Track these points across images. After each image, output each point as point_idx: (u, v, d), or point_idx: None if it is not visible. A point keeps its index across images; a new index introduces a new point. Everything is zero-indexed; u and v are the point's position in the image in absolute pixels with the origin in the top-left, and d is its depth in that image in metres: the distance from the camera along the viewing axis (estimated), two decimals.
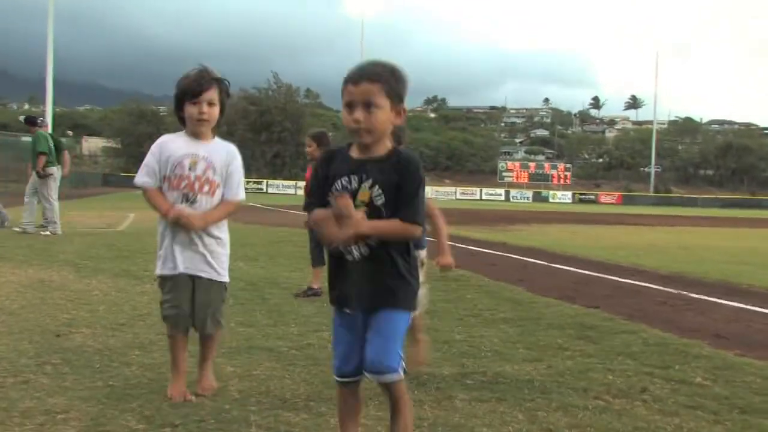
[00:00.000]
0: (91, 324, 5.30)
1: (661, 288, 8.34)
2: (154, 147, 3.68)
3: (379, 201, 2.55)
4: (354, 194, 2.55)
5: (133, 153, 71.35)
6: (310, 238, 7.10)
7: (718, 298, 7.68)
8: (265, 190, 66.68)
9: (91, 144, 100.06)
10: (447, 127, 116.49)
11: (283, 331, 5.29)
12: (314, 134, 7.28)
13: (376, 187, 2.54)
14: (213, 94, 3.60)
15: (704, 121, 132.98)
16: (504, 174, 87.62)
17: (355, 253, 2.60)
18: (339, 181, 2.59)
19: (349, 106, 2.54)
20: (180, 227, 3.58)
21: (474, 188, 77.76)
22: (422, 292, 3.85)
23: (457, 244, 12.84)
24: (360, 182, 2.56)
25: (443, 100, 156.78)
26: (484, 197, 74.53)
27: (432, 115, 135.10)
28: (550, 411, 3.62)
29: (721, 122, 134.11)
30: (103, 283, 7.10)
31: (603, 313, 6.41)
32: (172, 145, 3.66)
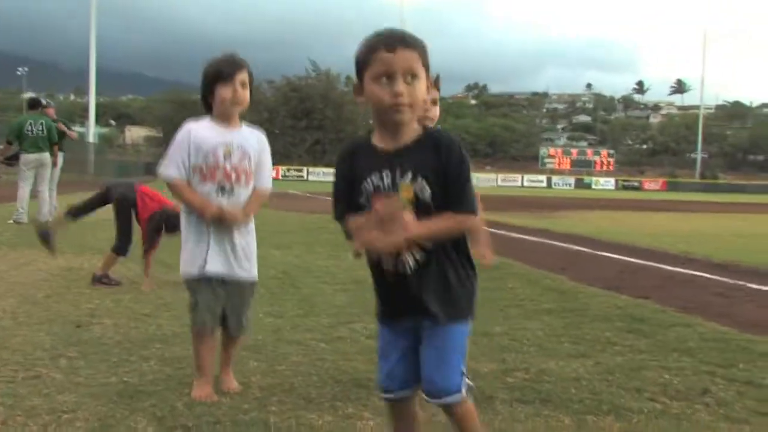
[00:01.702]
0: (114, 314, 5.09)
1: (715, 278, 7.84)
2: (180, 135, 3.41)
3: (426, 194, 2.16)
4: (393, 192, 2.17)
5: None
6: None
7: None
8: (305, 178, 66.64)
9: (134, 133, 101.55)
10: (488, 113, 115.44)
11: (314, 323, 5.01)
12: None
13: (419, 178, 2.15)
14: (245, 76, 3.39)
15: (754, 104, 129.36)
16: (546, 160, 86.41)
17: (411, 262, 2.22)
18: (368, 181, 2.20)
19: (386, 76, 2.12)
20: (218, 223, 3.35)
21: (515, 175, 76.68)
22: None
23: (498, 231, 12.50)
24: (394, 177, 2.17)
25: (484, 86, 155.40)
26: (525, 184, 73.51)
27: (473, 101, 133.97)
28: (601, 414, 3.26)
29: None
30: (131, 270, 6.89)
31: (654, 304, 5.98)
32: (202, 132, 3.40)
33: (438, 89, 3.21)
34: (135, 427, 2.96)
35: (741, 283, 7.49)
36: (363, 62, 2.17)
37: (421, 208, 2.15)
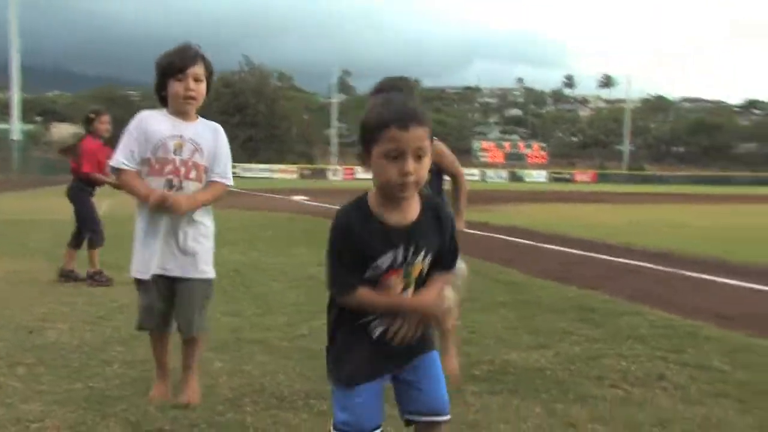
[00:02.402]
0: (68, 318, 4.98)
1: (655, 267, 8.14)
2: (132, 125, 3.26)
3: (427, 266, 2.20)
4: (404, 268, 2.14)
5: None
6: None
7: (713, 275, 7.50)
8: (239, 174, 65.75)
9: (61, 130, 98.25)
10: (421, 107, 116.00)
11: (272, 321, 5.00)
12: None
13: (429, 255, 2.17)
14: (199, 70, 3.26)
15: (676, 98, 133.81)
16: (479, 154, 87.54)
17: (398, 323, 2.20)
18: (383, 260, 2.12)
19: (396, 156, 2.04)
20: (163, 213, 3.18)
21: None
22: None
23: None
24: (407, 255, 2.13)
25: (417, 80, 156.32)
26: None
27: None
28: (568, 403, 3.37)
29: (693, 100, 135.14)
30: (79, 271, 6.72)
31: (602, 294, 6.18)
32: (155, 124, 3.26)
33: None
34: None
35: (678, 271, 7.80)
36: (372, 135, 2.09)
37: (421, 279, 2.20)
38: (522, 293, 6.24)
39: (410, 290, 2.17)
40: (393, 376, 2.25)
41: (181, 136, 3.25)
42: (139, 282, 3.31)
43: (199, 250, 3.32)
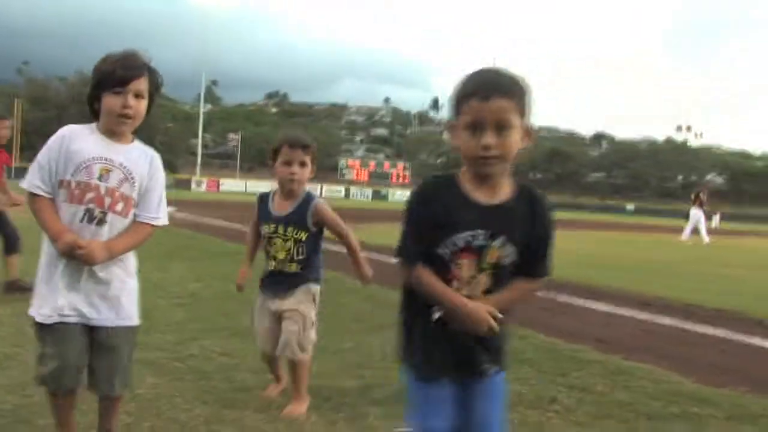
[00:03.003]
0: None
1: None
2: (52, 141, 2.74)
3: (508, 261, 2.09)
4: (480, 251, 2.08)
5: None
6: None
7: (585, 300, 7.95)
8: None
9: None
10: (289, 122, 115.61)
11: (160, 340, 4.80)
12: None
13: (509, 245, 2.07)
14: (142, 85, 2.75)
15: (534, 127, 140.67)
16: (344, 171, 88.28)
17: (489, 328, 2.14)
18: (460, 237, 2.05)
19: (474, 127, 2.00)
20: (69, 258, 2.66)
21: (315, 185, 77.50)
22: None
23: None
24: (486, 238, 2.06)
25: (285, 95, 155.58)
26: (325, 194, 74.35)
27: (273, 109, 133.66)
28: None
29: (548, 129, 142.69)
30: None
31: None
32: (79, 142, 2.73)
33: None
34: None
35: (552, 297, 8.19)
36: (456, 107, 2.05)
37: (497, 271, 2.11)
38: None
39: (481, 278, 2.08)
40: (461, 383, 2.18)
41: (110, 160, 2.74)
42: (41, 326, 2.72)
43: (123, 288, 2.80)
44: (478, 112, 1.98)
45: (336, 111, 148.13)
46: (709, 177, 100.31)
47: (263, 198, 3.80)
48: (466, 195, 2.07)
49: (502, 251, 2.08)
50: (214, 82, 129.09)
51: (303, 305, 3.65)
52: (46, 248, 2.73)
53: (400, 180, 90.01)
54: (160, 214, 2.88)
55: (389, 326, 5.72)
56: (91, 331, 2.73)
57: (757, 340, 6.27)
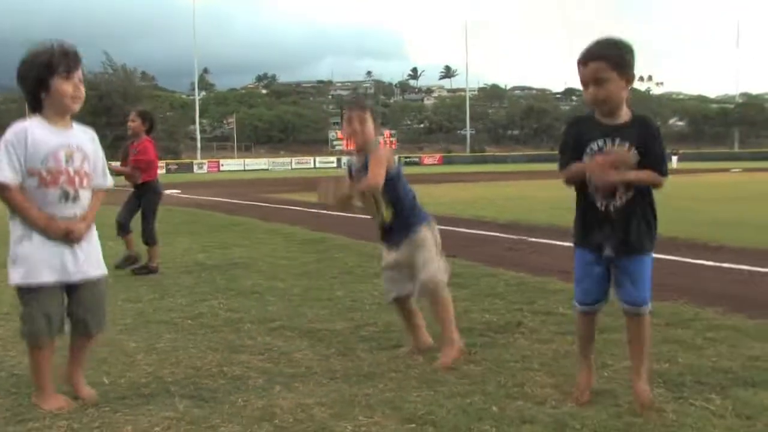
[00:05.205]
0: None
1: (505, 235, 8.80)
2: (14, 136, 2.87)
3: (634, 159, 2.74)
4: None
5: None
6: (144, 216, 6.91)
7: (553, 240, 8.23)
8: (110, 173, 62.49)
9: None
10: (279, 101, 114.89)
11: (172, 303, 5.07)
12: (141, 111, 7.04)
13: (632, 148, 2.74)
14: (80, 72, 3.02)
15: (508, 87, 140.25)
16: (335, 143, 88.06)
17: (618, 201, 2.81)
18: (595, 143, 2.79)
19: (584, 84, 2.76)
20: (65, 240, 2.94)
21: (308, 158, 77.34)
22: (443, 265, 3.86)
23: (302, 209, 12.87)
24: (613, 143, 2.76)
25: (273, 76, 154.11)
26: (318, 165, 74.46)
27: (264, 91, 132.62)
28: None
29: (522, 88, 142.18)
30: None
31: (463, 261, 6.66)
32: (40, 134, 2.91)
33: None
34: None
35: (524, 238, 8.49)
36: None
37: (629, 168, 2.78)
38: None
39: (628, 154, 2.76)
40: (613, 262, 2.85)
41: (69, 145, 2.98)
42: (28, 290, 2.92)
43: (93, 246, 3.09)
44: (582, 74, 2.76)
45: (322, 87, 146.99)
46: (671, 122, 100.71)
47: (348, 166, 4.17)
48: (597, 120, 2.84)
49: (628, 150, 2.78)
50: (206, 70, 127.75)
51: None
52: (14, 226, 2.95)
53: (388, 146, 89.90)
54: (107, 179, 3.22)
55: (376, 275, 6.03)
56: (68, 287, 3.00)
57: (701, 261, 6.59)
